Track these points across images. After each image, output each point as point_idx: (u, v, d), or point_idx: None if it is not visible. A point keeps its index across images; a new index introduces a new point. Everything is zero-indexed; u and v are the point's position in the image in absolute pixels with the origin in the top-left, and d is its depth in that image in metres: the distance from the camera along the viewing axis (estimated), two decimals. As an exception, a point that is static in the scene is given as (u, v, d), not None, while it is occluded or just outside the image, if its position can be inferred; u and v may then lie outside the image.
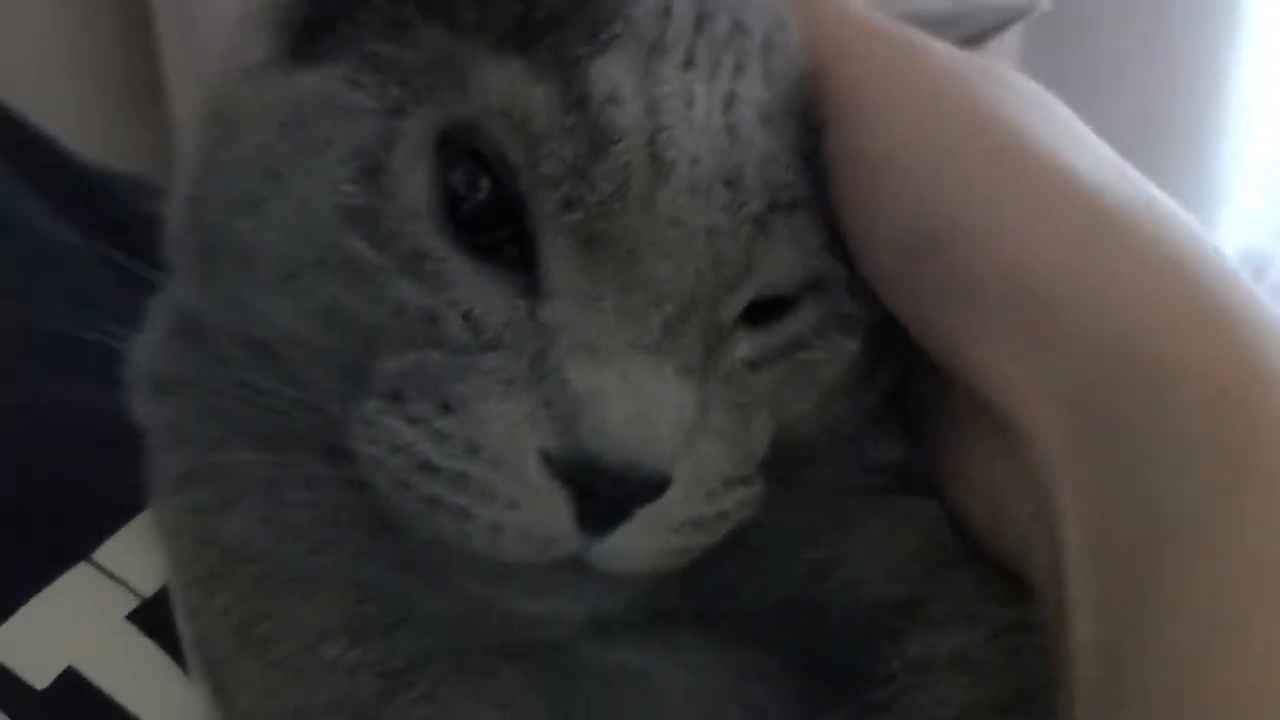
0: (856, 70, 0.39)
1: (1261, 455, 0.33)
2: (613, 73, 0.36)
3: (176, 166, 0.43)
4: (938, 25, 0.42)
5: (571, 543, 0.36)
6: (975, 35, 0.45)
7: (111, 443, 0.44)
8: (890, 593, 0.41)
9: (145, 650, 0.42)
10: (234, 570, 0.42)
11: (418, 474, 0.36)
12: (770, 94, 0.38)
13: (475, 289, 0.36)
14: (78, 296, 0.52)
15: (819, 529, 0.42)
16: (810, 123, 0.39)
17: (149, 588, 0.44)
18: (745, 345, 0.39)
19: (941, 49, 0.39)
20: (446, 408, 0.35)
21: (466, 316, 0.36)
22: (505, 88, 0.36)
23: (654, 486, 0.35)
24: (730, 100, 0.37)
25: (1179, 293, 0.35)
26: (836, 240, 0.39)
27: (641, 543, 0.36)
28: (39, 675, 0.40)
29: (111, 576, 0.43)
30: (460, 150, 0.36)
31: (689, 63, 0.37)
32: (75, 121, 0.71)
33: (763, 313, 0.39)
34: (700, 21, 0.38)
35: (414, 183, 0.36)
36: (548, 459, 0.35)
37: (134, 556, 0.44)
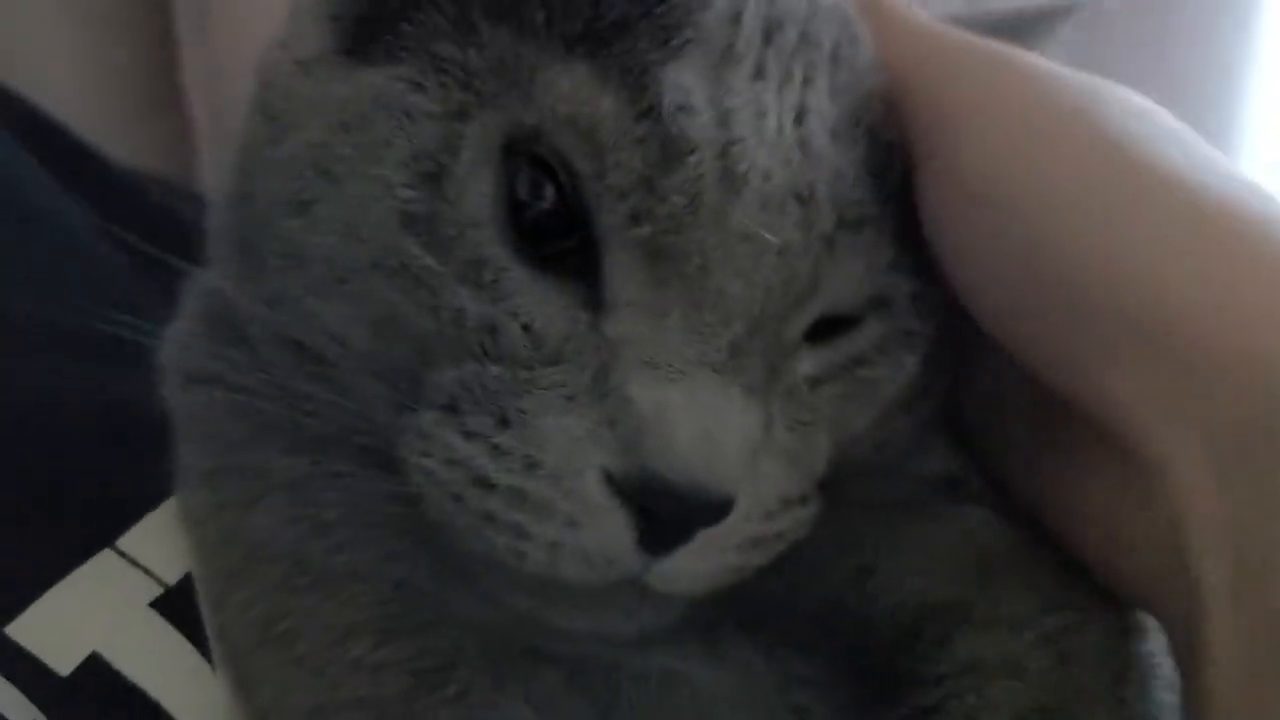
0: (947, 90, 0.37)
1: None
2: (684, 81, 0.35)
3: (194, 169, 0.43)
4: (980, 28, 0.41)
5: (633, 564, 0.35)
6: (1024, 38, 0.43)
7: (136, 431, 0.44)
8: (934, 596, 0.40)
9: (168, 637, 0.42)
10: (257, 567, 0.41)
11: (473, 489, 0.35)
12: (838, 108, 0.37)
13: (536, 300, 0.35)
14: (103, 288, 0.52)
15: (863, 535, 0.41)
16: (880, 139, 0.38)
17: (173, 575, 0.43)
18: (808, 362, 0.38)
19: (1035, 60, 0.38)
20: (505, 422, 0.35)
21: (526, 328, 0.35)
22: (572, 94, 0.35)
23: (718, 508, 0.35)
24: (801, 113, 0.36)
25: None
26: (902, 256, 0.38)
27: (700, 564, 0.36)
28: (62, 661, 0.40)
29: (135, 564, 0.43)
30: (524, 156, 0.35)
31: (759, 73, 0.36)
32: (95, 125, 0.72)
33: (825, 329, 0.38)
34: (769, 31, 0.37)
35: (477, 189, 0.35)
36: (609, 478, 0.34)
37: (158, 544, 0.44)
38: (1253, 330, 0.33)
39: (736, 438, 0.35)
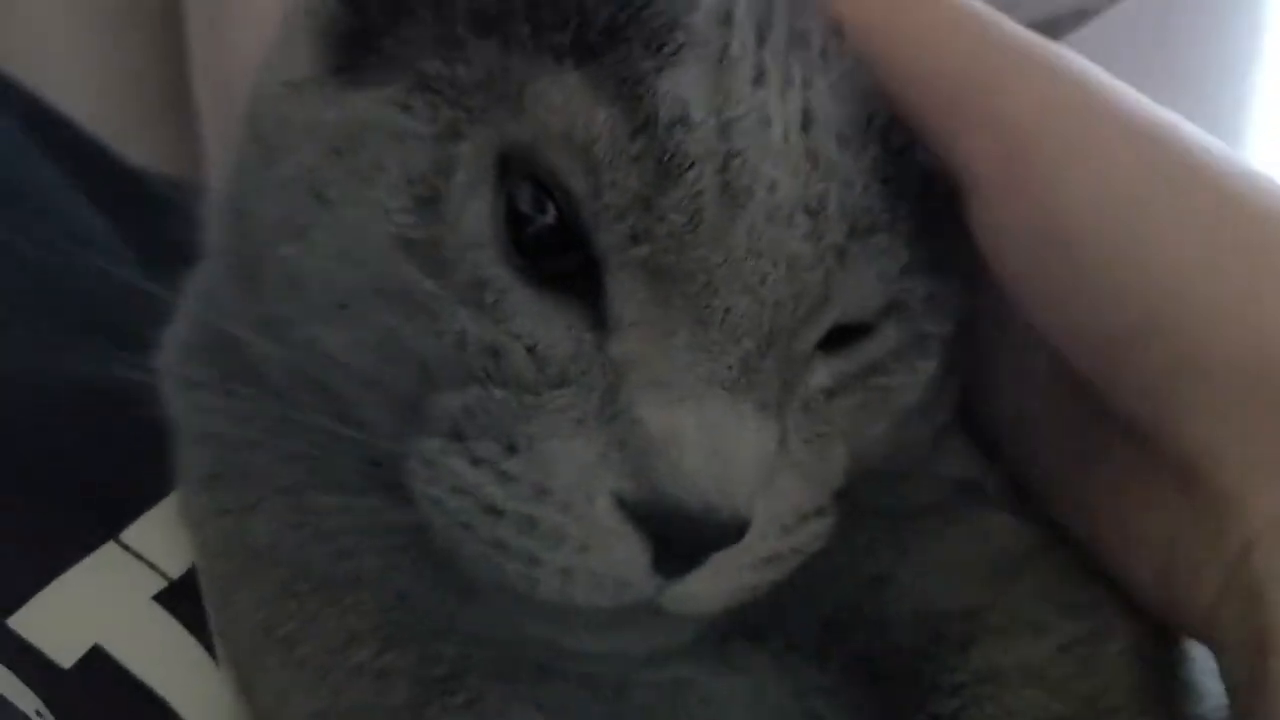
0: (1014, 102, 0.35)
1: None
2: (680, 91, 0.34)
3: (205, 171, 0.43)
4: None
5: (646, 587, 0.34)
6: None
7: (141, 424, 0.44)
8: (951, 603, 0.40)
9: (171, 631, 0.42)
10: (259, 571, 0.41)
11: (482, 517, 0.34)
12: (842, 110, 0.36)
13: (539, 320, 0.34)
14: (110, 280, 0.52)
15: (879, 542, 0.41)
16: (892, 144, 0.36)
17: (176, 569, 0.43)
18: (822, 374, 0.37)
19: (1091, 66, 0.36)
20: (512, 448, 0.34)
21: (530, 350, 0.34)
22: (564, 107, 0.34)
23: (734, 530, 0.34)
24: (808, 120, 0.35)
25: None
26: (916, 258, 0.37)
27: (716, 584, 0.35)
28: (65, 654, 0.40)
29: (139, 557, 0.43)
30: (521, 173, 0.34)
31: (760, 78, 0.35)
32: (106, 127, 0.72)
33: (839, 338, 0.37)
34: (762, 29, 0.36)
35: (474, 209, 0.34)
36: (621, 502, 0.33)
37: (162, 538, 0.44)
38: None
39: (749, 457, 0.34)
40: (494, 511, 0.34)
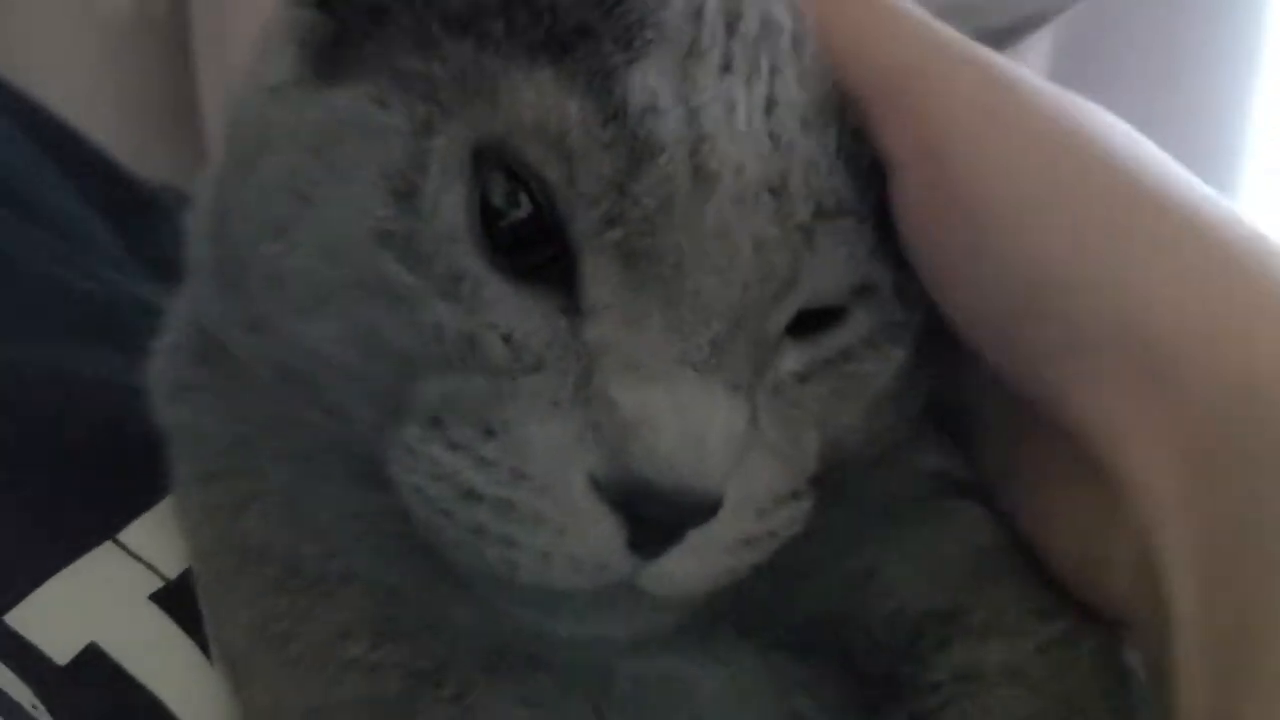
0: (942, 100, 0.36)
1: None
2: (649, 82, 0.34)
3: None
4: (953, 14, 0.40)
5: (623, 567, 0.34)
6: (998, 32, 0.42)
7: (140, 424, 0.44)
8: (932, 602, 0.40)
9: (167, 631, 0.42)
10: (252, 569, 0.41)
11: (461, 502, 0.35)
12: (807, 96, 0.37)
13: (515, 310, 0.35)
14: (112, 284, 0.53)
15: (859, 539, 0.41)
16: (849, 126, 0.37)
17: (173, 569, 0.44)
18: (793, 358, 0.38)
19: (1024, 73, 0.37)
20: (490, 433, 0.34)
21: (507, 339, 0.35)
22: (537, 101, 0.34)
23: (706, 508, 0.34)
24: (770, 104, 0.36)
25: None
26: (884, 244, 0.37)
27: (692, 565, 0.35)
28: (60, 651, 0.40)
29: (136, 557, 0.44)
30: (495, 167, 0.35)
31: (726, 67, 0.36)
32: (112, 139, 0.73)
33: (811, 323, 0.38)
34: (731, 22, 0.36)
35: (449, 202, 0.35)
36: (596, 483, 0.34)
37: (159, 538, 0.44)
38: (1232, 352, 0.33)
39: (720, 436, 0.34)
40: (472, 496, 0.34)
